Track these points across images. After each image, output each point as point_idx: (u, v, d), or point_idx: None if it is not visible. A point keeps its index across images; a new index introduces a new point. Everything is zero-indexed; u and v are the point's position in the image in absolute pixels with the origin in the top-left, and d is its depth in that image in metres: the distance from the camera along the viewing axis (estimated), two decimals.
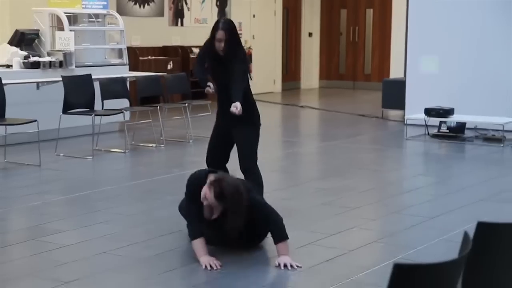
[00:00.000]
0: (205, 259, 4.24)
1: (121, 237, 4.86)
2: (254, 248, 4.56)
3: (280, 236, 4.33)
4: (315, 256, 4.45)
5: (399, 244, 4.75)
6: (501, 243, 2.19)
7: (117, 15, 9.87)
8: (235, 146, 5.24)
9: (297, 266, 4.23)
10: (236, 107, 4.87)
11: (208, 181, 4.27)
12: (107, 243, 4.70)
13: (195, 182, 4.43)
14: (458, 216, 5.41)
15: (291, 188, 6.52)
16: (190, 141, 8.83)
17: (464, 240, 2.00)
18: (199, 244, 4.32)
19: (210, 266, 4.20)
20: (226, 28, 4.99)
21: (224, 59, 5.04)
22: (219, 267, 4.21)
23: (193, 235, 4.36)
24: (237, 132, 5.14)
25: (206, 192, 4.24)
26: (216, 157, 5.30)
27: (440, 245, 4.68)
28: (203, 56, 5.25)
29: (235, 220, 4.22)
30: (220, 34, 4.95)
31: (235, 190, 4.22)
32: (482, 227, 2.11)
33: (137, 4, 12.35)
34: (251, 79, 5.48)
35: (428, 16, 10.15)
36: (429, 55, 10.14)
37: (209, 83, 5.19)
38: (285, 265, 4.23)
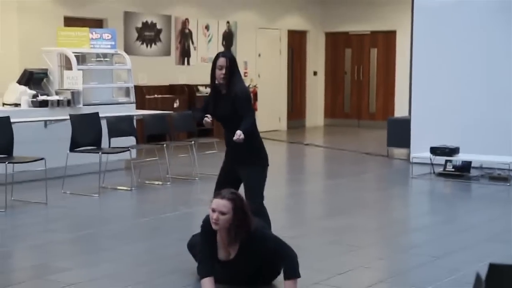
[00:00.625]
0: None
1: (127, 276, 4.85)
2: (261, 286, 4.54)
3: (293, 273, 4.32)
4: None
5: (406, 284, 4.73)
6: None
7: (124, 54, 9.99)
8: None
9: None
10: (238, 135, 4.95)
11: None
12: (113, 283, 4.68)
13: (207, 223, 4.41)
14: (465, 256, 5.39)
15: (298, 226, 6.51)
16: (197, 178, 8.85)
17: (477, 282, 1.99)
18: (208, 283, 4.31)
19: None
20: (227, 55, 5.19)
21: (226, 93, 5.14)
22: None
23: (203, 274, 4.36)
24: (243, 172, 5.18)
25: (218, 208, 4.27)
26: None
27: (448, 285, 4.66)
28: (206, 105, 5.35)
29: (243, 224, 4.27)
30: (221, 61, 5.12)
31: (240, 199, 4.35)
32: (494, 268, 2.10)
33: (144, 43, 12.50)
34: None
35: (432, 55, 10.22)
36: (434, 93, 10.19)
37: (207, 115, 5.26)
38: None
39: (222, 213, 4.27)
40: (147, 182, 8.57)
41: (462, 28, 10.00)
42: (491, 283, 2.02)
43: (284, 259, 4.37)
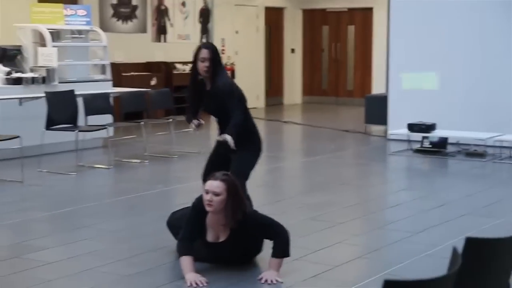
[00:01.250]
0: (191, 276, 4.22)
1: (106, 254, 4.83)
2: (243, 264, 4.54)
3: (282, 252, 4.32)
4: (301, 272, 4.44)
5: (384, 260, 4.77)
6: (489, 258, 2.20)
7: (100, 31, 9.87)
8: None
9: (277, 281, 4.23)
10: (224, 138, 4.86)
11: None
12: (92, 260, 4.66)
13: (199, 204, 4.37)
14: (442, 231, 5.44)
15: (276, 203, 6.52)
16: (175, 156, 8.81)
17: (453, 256, 2.01)
18: (187, 261, 4.30)
19: (196, 283, 4.18)
20: (209, 47, 5.01)
21: (211, 88, 4.99)
22: (205, 284, 4.19)
23: (182, 252, 4.34)
24: (234, 156, 5.08)
25: (212, 189, 4.25)
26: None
27: (425, 260, 4.70)
28: (192, 95, 5.18)
29: (236, 206, 4.26)
30: (204, 52, 4.92)
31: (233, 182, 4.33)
32: (470, 242, 2.12)
33: (120, 20, 12.37)
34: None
35: (409, 33, 10.25)
36: (410, 71, 10.23)
37: (194, 120, 5.13)
38: (265, 280, 4.23)
39: (216, 194, 4.23)
40: (124, 160, 8.52)
41: (439, 6, 10.02)
42: (467, 257, 2.04)
43: (276, 238, 4.35)
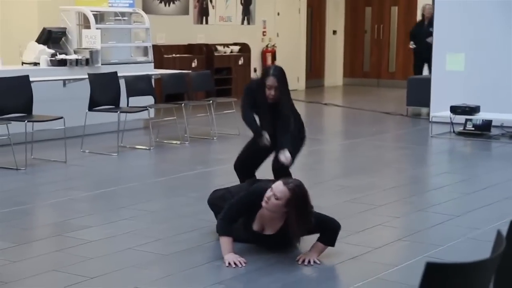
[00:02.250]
0: (230, 257, 4.25)
1: (146, 233, 4.87)
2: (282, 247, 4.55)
3: (330, 240, 4.32)
4: (341, 254, 4.42)
5: (425, 242, 4.72)
6: None
7: (142, 13, 9.94)
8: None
9: (315, 262, 4.24)
10: (285, 156, 4.92)
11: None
12: (132, 239, 4.71)
13: (256, 193, 4.35)
14: (484, 214, 5.37)
15: (316, 186, 6.47)
16: (214, 138, 8.85)
17: (497, 239, 1.97)
18: (226, 242, 4.31)
19: (235, 263, 4.21)
20: (277, 74, 5.02)
21: (276, 109, 5.07)
22: (243, 264, 4.21)
23: (223, 232, 4.35)
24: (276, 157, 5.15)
25: (275, 190, 4.20)
26: (247, 166, 5.34)
27: (466, 243, 4.65)
28: (251, 99, 5.19)
29: (301, 221, 4.18)
30: (271, 80, 4.98)
31: (304, 196, 4.21)
32: None
33: (163, 2, 12.41)
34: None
35: (454, 13, 10.07)
36: (455, 52, 10.06)
37: (266, 134, 5.13)
38: (303, 261, 4.25)
39: (276, 197, 4.20)
40: (165, 141, 8.59)
41: None
42: (510, 241, 1.99)
43: (326, 231, 4.34)
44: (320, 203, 5.63)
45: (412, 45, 12.54)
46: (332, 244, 4.34)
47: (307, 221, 4.19)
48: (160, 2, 12.38)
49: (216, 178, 6.84)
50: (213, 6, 13.34)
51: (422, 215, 5.47)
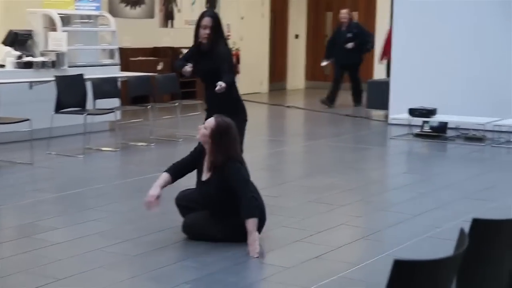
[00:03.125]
0: (152, 191, 4.81)
1: (113, 234, 4.95)
2: (246, 244, 4.69)
3: (247, 213, 4.52)
4: (304, 253, 4.57)
5: (386, 241, 4.91)
6: (494, 239, 2.30)
7: (109, 16, 9.99)
8: None
9: (257, 255, 4.43)
10: (220, 85, 5.13)
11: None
12: (100, 241, 4.78)
13: (201, 150, 4.85)
14: (442, 214, 5.58)
15: (278, 186, 6.65)
16: (180, 140, 8.96)
17: (460, 236, 2.11)
18: (161, 176, 4.89)
19: (148, 202, 4.76)
20: (212, 15, 5.28)
21: (209, 52, 5.29)
22: (152, 206, 4.73)
23: (166, 169, 4.95)
24: None
25: (206, 123, 4.69)
26: None
27: (426, 241, 4.84)
28: (187, 58, 5.53)
29: (219, 152, 4.60)
30: (206, 20, 5.22)
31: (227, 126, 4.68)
32: (477, 223, 2.22)
33: (128, 5, 12.47)
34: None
35: (412, 18, 10.35)
36: (413, 56, 10.34)
37: (187, 64, 5.42)
38: (253, 254, 4.45)
39: (205, 127, 4.69)
40: (131, 143, 8.67)
41: None
42: (474, 238, 2.14)
43: (243, 200, 4.54)
44: (284, 204, 5.82)
45: (324, 62, 12.77)
46: (251, 215, 4.49)
47: (225, 151, 4.59)
48: (126, 5, 12.43)
49: (182, 179, 6.91)
50: (178, 10, 13.43)
51: (383, 214, 5.67)
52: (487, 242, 2.26)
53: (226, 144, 4.63)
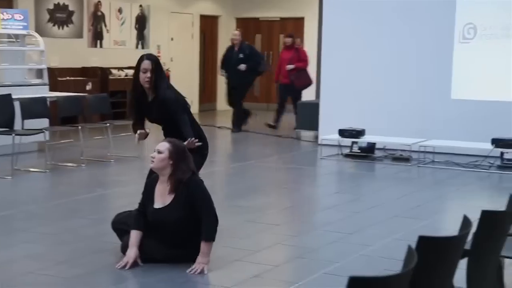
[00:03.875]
0: (130, 253, 4.56)
1: (47, 256, 4.87)
2: (185, 265, 4.67)
3: (210, 235, 4.57)
4: (244, 272, 4.60)
5: (322, 259, 4.98)
6: (440, 256, 2.39)
7: (37, 35, 9.84)
8: None
9: (202, 272, 4.49)
10: (192, 141, 4.97)
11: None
12: (33, 263, 4.69)
13: (152, 181, 4.75)
14: (374, 232, 5.71)
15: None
16: (112, 161, 8.87)
17: (408, 254, 2.18)
18: (133, 235, 4.64)
19: (126, 264, 4.54)
20: (151, 58, 5.10)
21: (154, 98, 5.08)
22: (127, 267, 4.53)
23: (133, 226, 4.68)
24: None
25: (158, 147, 4.64)
26: None
27: (360, 259, 4.95)
28: (135, 104, 5.27)
29: (183, 169, 4.58)
30: (146, 64, 5.02)
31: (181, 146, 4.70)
32: (423, 240, 2.30)
33: (56, 25, 12.31)
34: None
35: (340, 42, 10.60)
36: (342, 78, 10.58)
37: (140, 131, 5.23)
38: (195, 271, 4.49)
39: (159, 152, 4.61)
40: (61, 164, 8.52)
41: (371, 16, 10.41)
42: (421, 254, 2.20)
43: (206, 219, 4.57)
44: (221, 223, 5.76)
45: (222, 73, 12.60)
46: (213, 239, 4.58)
47: (188, 166, 4.62)
48: (54, 25, 12.26)
49: (116, 200, 6.88)
50: (107, 30, 13.34)
51: (317, 233, 5.77)
52: (433, 258, 2.34)
53: (187, 159, 4.65)
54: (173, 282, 4.40)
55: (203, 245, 4.55)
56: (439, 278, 2.44)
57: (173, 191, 4.62)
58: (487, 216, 2.82)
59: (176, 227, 4.62)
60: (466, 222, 2.69)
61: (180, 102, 5.17)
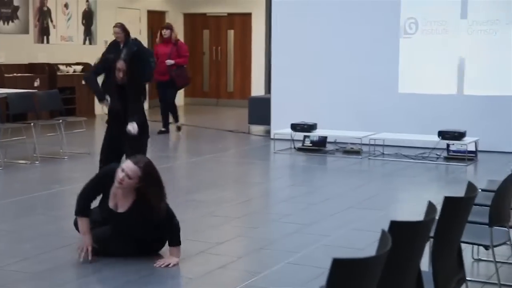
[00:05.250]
0: (86, 240, 4.58)
1: (10, 253, 4.87)
2: (149, 259, 4.75)
3: (178, 240, 4.66)
4: (208, 264, 4.70)
5: (284, 250, 5.09)
6: (410, 239, 2.54)
7: None
8: None
9: (174, 265, 4.59)
10: (133, 127, 5.33)
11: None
12: None
13: (108, 173, 4.66)
14: (332, 223, 5.87)
15: (171, 201, 6.59)
16: (65, 157, 8.82)
17: (383, 237, 2.31)
18: (84, 222, 4.62)
19: (86, 249, 4.58)
20: (127, 60, 5.54)
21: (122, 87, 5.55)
22: (89, 257, 4.56)
23: (80, 213, 4.64)
24: (128, 141, 5.55)
25: (127, 170, 4.47)
26: (110, 157, 5.72)
27: (320, 249, 5.09)
28: (99, 71, 5.72)
29: (157, 195, 4.55)
30: (121, 64, 5.40)
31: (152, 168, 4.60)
32: (394, 225, 2.44)
33: (1, 21, 12.12)
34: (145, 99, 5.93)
35: (290, 37, 10.75)
36: (293, 73, 10.75)
37: (107, 97, 5.55)
38: (163, 264, 4.57)
39: (128, 177, 4.49)
40: (14, 161, 8.44)
41: (319, 10, 10.59)
42: (393, 238, 2.31)
43: (168, 229, 4.67)
44: (180, 217, 5.83)
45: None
46: (180, 243, 4.67)
47: (161, 192, 4.58)
48: None
49: (73, 196, 6.81)
50: (54, 26, 13.20)
51: (277, 225, 5.89)
52: (405, 241, 2.49)
53: (159, 181, 4.60)
54: (139, 274, 4.46)
55: (171, 249, 4.65)
56: (410, 260, 2.59)
57: (129, 200, 4.63)
58: (450, 202, 2.98)
59: (142, 230, 4.69)
60: (431, 207, 2.85)
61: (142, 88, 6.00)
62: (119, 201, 4.65)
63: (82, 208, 4.66)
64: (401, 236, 2.44)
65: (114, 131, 5.79)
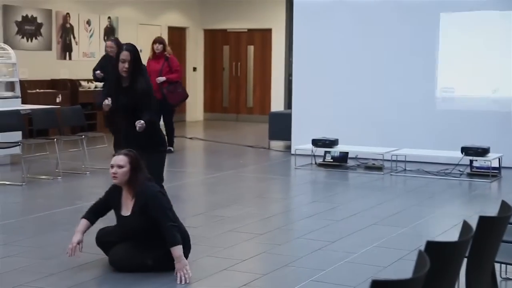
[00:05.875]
0: (74, 238, 4.81)
1: (36, 269, 4.87)
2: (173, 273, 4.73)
3: (172, 240, 4.61)
4: (232, 281, 4.67)
5: (308, 267, 5.06)
6: (447, 260, 2.50)
7: (9, 48, 9.80)
8: None
9: (188, 274, 4.57)
10: (140, 122, 5.38)
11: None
12: (23, 276, 4.69)
13: (116, 189, 4.87)
14: (356, 240, 5.83)
15: (196, 217, 6.70)
16: (87, 173, 8.86)
17: (420, 258, 2.28)
18: (81, 223, 4.91)
19: (72, 248, 4.75)
20: (130, 49, 5.47)
21: (129, 87, 5.49)
22: (75, 252, 4.75)
23: (83, 216, 4.97)
24: (147, 156, 5.47)
25: (117, 162, 4.76)
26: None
27: (345, 267, 5.05)
28: (107, 93, 5.70)
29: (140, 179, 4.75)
30: (125, 54, 5.43)
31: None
32: (430, 245, 2.41)
33: (25, 37, 12.25)
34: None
35: (311, 52, 10.74)
36: (314, 89, 10.74)
37: (108, 98, 5.57)
38: (180, 278, 4.54)
39: (120, 167, 4.71)
40: (37, 177, 8.49)
41: (340, 27, 10.58)
42: (432, 260, 2.29)
43: (163, 226, 4.62)
44: (203, 234, 5.88)
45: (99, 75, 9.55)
46: (178, 242, 4.60)
47: (144, 176, 4.78)
48: (22, 37, 12.21)
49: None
50: (76, 42, 13.32)
51: (300, 242, 5.86)
52: (441, 262, 2.45)
53: (142, 167, 4.80)
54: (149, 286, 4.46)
55: (172, 251, 4.61)
56: (446, 281, 2.56)
57: (134, 197, 4.75)
58: (484, 222, 2.95)
59: (144, 229, 4.72)
60: (466, 227, 2.82)
61: (150, 94, 5.70)
62: (124, 206, 4.79)
63: (87, 212, 4.95)
64: (438, 257, 2.41)
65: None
